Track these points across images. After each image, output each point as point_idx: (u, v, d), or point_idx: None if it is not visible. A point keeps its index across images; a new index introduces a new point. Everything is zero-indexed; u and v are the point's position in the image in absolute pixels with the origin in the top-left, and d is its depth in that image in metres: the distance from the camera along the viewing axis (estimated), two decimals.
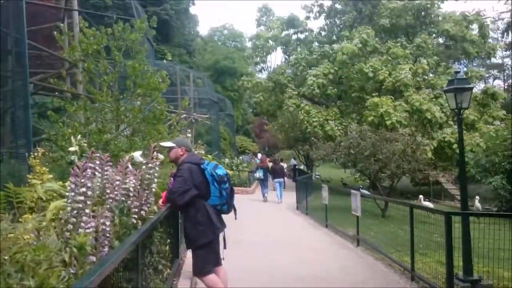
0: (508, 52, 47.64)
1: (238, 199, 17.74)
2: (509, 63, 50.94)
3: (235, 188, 19.18)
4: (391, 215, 14.29)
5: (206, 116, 25.90)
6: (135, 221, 3.37)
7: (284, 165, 30.10)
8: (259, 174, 20.27)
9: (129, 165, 3.79)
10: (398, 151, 15.25)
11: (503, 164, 17.76)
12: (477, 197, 17.82)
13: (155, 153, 4.26)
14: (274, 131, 36.84)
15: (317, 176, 33.62)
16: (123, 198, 3.40)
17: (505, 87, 47.66)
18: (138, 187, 3.60)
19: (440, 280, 6.33)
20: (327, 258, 8.20)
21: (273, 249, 8.91)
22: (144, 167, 3.85)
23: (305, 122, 26.12)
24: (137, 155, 4.13)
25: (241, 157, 38.50)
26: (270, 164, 22.22)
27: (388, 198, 14.84)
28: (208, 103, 28.37)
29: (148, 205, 3.72)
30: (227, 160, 28.16)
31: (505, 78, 52.27)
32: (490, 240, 6.47)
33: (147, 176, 3.76)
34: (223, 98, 36.30)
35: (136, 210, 3.45)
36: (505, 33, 44.62)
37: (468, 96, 7.28)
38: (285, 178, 21.84)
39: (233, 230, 8.57)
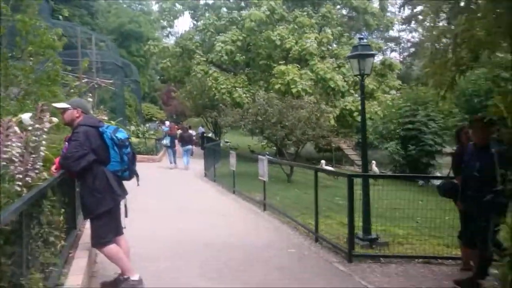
0: (404, 26, 50.53)
1: (144, 167, 17.23)
2: (405, 36, 54.18)
3: (141, 156, 18.72)
4: (296, 180, 14.80)
5: (110, 81, 24.62)
6: (19, 189, 3.03)
7: (193, 132, 29.95)
8: (166, 141, 20.22)
9: (16, 128, 3.40)
10: (303, 118, 15.65)
11: (397, 131, 19.01)
12: (373, 161, 18.88)
13: (48, 115, 3.87)
14: (182, 98, 36.14)
15: (227, 143, 33.77)
16: (5, 163, 3.04)
17: (401, 59, 50.76)
18: (24, 151, 3.23)
19: (342, 240, 6.64)
20: (234, 223, 8.25)
21: (179, 216, 8.78)
22: (30, 128, 3.47)
23: (213, 89, 25.90)
24: (25, 117, 3.71)
25: (147, 125, 37.48)
26: (179, 132, 22.06)
27: (294, 162, 15.29)
28: (112, 68, 26.95)
29: (36, 171, 3.37)
30: (133, 128, 27.25)
31: (401, 51, 55.66)
32: (386, 201, 6.89)
33: (34, 138, 3.39)
34: (128, 63, 34.69)
35: (21, 176, 3.11)
36: (402, 8, 47.04)
37: (371, 63, 7.54)
38: (193, 146, 21.82)
39: (137, 197, 8.34)
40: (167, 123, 43.29)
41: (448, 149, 25.98)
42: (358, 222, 6.82)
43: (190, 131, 27.10)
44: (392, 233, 7.37)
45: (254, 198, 10.65)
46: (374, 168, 17.85)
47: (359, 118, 23.81)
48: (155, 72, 61.78)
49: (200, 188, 13.45)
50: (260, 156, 9.93)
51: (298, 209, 8.76)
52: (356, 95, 24.51)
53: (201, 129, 36.08)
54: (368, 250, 6.47)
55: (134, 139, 23.42)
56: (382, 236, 6.95)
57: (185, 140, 19.81)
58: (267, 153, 21.84)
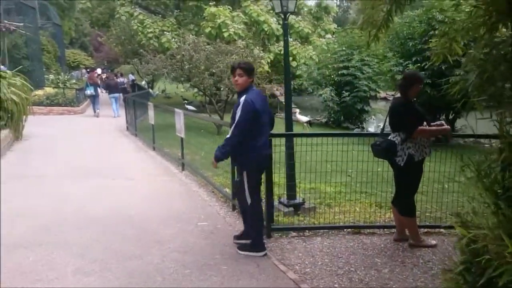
0: None
1: (62, 121, 15.57)
2: None
3: (60, 109, 16.92)
4: (226, 131, 13.79)
5: (20, 24, 21.96)
6: None
7: (124, 80, 28.18)
8: (89, 91, 19.49)
9: None
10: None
11: (332, 76, 18.29)
12: (297, 109, 18.22)
13: None
14: (110, 44, 33.58)
15: (160, 94, 32.01)
16: None
17: (337, 2, 49.87)
18: None
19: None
20: (141, 189, 7.16)
21: (77, 182, 7.54)
22: None
23: (139, 33, 23.88)
24: None
25: (72, 73, 34.80)
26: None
27: (216, 119, 14.21)
28: (24, 9, 24.11)
29: None
30: (51, 76, 24.93)
31: None
32: (316, 152, 5.92)
33: None
34: (45, 3, 31.40)
35: None
36: None
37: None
38: (121, 94, 20.89)
39: (31, 161, 7.02)
40: (99, 70, 40.70)
41: (383, 94, 25.94)
42: (282, 184, 5.98)
43: (122, 79, 26.57)
44: (321, 192, 6.58)
45: (174, 156, 9.56)
46: (299, 117, 17.14)
47: (294, 64, 23.13)
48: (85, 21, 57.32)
49: (116, 145, 12.14)
50: (176, 110, 8.77)
51: (223, 168, 7.75)
52: (291, 39, 23.42)
53: (131, 77, 33.86)
54: (293, 218, 5.64)
55: (49, 90, 21.36)
56: (309, 198, 6.16)
57: (112, 88, 19.66)
58: (186, 101, 20.57)
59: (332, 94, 17.77)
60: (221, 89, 15.28)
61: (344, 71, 17.89)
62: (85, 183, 7.50)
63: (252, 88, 4.36)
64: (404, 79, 4.74)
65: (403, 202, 4.74)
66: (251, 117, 4.16)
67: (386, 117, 4.97)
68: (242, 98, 4.22)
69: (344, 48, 18.56)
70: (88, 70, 42.73)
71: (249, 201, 4.46)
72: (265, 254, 4.50)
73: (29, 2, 24.23)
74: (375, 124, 19.16)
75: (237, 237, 4.84)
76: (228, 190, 6.45)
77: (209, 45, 16.07)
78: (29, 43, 23.90)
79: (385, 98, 29.54)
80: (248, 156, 4.32)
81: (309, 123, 17.00)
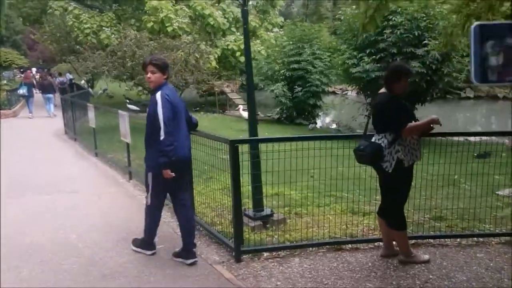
0: None
1: None
2: None
3: None
4: None
5: None
6: None
7: (63, 79, 26.97)
8: (23, 90, 19.05)
9: None
10: (179, 60, 13.52)
11: (282, 71, 17.71)
12: (240, 106, 17.58)
13: None
14: (44, 42, 31.39)
15: (102, 93, 30.27)
16: None
17: None
18: None
19: (228, 223, 4.97)
20: (86, 205, 6.17)
21: (6, 200, 6.44)
22: None
23: (76, 29, 22.28)
24: None
25: (4, 73, 32.37)
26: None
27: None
28: None
29: None
30: None
31: None
32: (277, 161, 5.20)
33: None
34: None
35: None
36: None
37: None
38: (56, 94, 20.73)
39: None
40: (34, 69, 38.10)
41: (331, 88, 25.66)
42: (247, 192, 5.22)
43: (61, 78, 26.25)
44: (286, 197, 5.84)
45: (120, 163, 8.56)
46: (243, 113, 16.43)
47: (242, 59, 22.33)
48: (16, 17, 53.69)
49: (54, 152, 10.91)
50: (120, 112, 7.81)
51: None
52: (238, 33, 22.64)
53: (69, 76, 31.77)
54: (262, 234, 4.88)
55: None
56: (276, 207, 5.44)
57: (46, 88, 19.14)
58: (127, 101, 19.31)
59: (284, 90, 17.18)
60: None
61: (295, 66, 17.33)
62: (18, 201, 6.40)
63: (167, 85, 4.20)
64: (390, 71, 4.07)
65: (392, 213, 4.12)
66: (170, 110, 3.98)
67: (369, 116, 4.34)
68: (158, 94, 4.02)
69: (294, 42, 17.97)
70: (21, 70, 40.01)
71: (148, 202, 4.31)
72: (154, 253, 4.44)
73: None
74: (326, 119, 18.78)
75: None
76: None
77: (152, 41, 15.05)
78: None
79: (333, 92, 29.43)
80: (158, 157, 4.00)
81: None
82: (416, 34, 12.66)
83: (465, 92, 23.14)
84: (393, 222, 4.11)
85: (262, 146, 4.83)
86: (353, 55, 13.56)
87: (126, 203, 6.32)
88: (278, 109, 18.74)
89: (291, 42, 17.86)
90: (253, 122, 5.39)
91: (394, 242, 4.34)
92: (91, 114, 10.03)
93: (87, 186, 7.29)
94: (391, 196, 4.10)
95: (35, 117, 18.21)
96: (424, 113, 16.58)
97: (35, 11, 26.92)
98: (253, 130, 5.28)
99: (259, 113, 21.47)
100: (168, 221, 5.46)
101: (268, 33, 23.86)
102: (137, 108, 17.97)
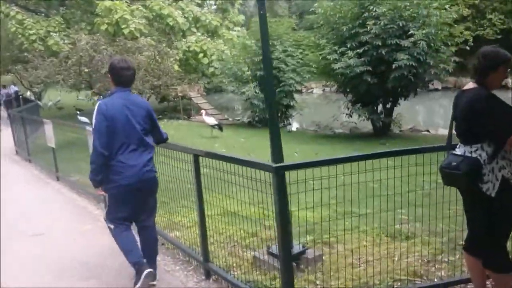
0: None
1: None
2: None
3: None
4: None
5: None
6: None
7: (7, 91, 24.96)
8: None
9: None
10: (144, 64, 12.12)
11: (251, 71, 16.57)
12: (202, 111, 16.32)
13: None
14: None
15: (53, 104, 28.08)
16: None
17: None
18: None
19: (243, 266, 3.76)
20: (59, 253, 4.77)
21: None
22: None
23: (20, 36, 20.27)
24: None
25: None
26: None
27: None
28: None
29: None
30: None
31: None
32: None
33: None
34: None
35: None
36: None
37: None
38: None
39: None
40: None
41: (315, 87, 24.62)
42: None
43: (5, 90, 24.57)
44: (300, 220, 4.61)
45: (89, 188, 7.12)
46: (206, 119, 14.98)
47: (205, 61, 21.06)
48: None
49: (6, 177, 9.27)
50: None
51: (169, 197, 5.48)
52: (199, 34, 21.32)
53: (13, 88, 29.25)
54: (300, 282, 3.71)
55: None
56: (297, 236, 4.27)
57: None
58: (78, 112, 17.46)
59: (256, 91, 16.03)
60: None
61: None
62: None
63: (116, 93, 3.62)
64: (484, 58, 2.98)
65: (493, 250, 3.05)
66: (103, 122, 3.47)
67: (452, 120, 3.25)
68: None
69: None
70: None
71: (110, 226, 3.75)
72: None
73: None
74: (301, 120, 17.78)
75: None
76: (197, 248, 4.31)
77: (109, 44, 13.55)
78: None
79: (299, 91, 28.53)
80: (108, 178, 3.57)
81: (219, 126, 14.73)
82: (400, 24, 11.85)
83: (433, 84, 22.75)
84: (494, 261, 3.05)
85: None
86: (333, 49, 12.59)
87: (109, 245, 4.97)
88: (249, 112, 17.60)
89: (258, 40, 16.72)
90: (276, 140, 4.22)
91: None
92: (49, 131, 8.49)
93: (55, 224, 5.86)
94: (495, 227, 3.03)
95: None
96: (410, 108, 15.95)
97: None
98: (277, 150, 4.09)
99: (226, 117, 20.27)
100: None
101: (231, 32, 22.66)
102: (88, 121, 15.83)
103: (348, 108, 14.17)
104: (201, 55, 20.52)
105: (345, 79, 12.75)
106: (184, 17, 20.96)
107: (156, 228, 4.11)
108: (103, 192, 3.71)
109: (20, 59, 22.60)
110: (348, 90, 13.61)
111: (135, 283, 3.53)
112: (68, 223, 5.81)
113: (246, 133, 15.73)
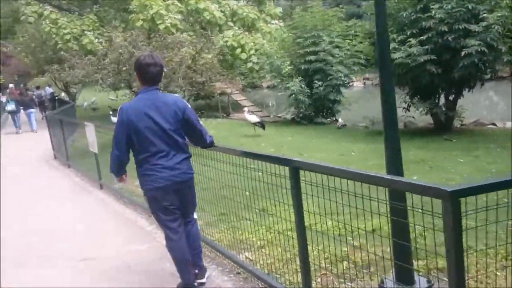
0: None
1: None
2: None
3: None
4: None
5: None
6: None
7: (42, 92, 25.50)
8: (10, 106, 18.89)
9: None
10: (186, 59, 11.26)
11: (299, 65, 15.54)
12: (245, 108, 15.38)
13: None
14: (18, 54, 28.75)
15: (90, 104, 27.86)
16: None
17: None
18: None
19: None
20: (112, 282, 3.93)
21: None
22: None
23: (54, 36, 19.80)
24: None
25: None
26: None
27: None
28: None
29: None
30: None
31: None
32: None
33: None
34: None
35: None
36: None
37: None
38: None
39: None
40: (11, 85, 35.66)
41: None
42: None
43: (38, 92, 25.41)
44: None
45: (139, 197, 6.29)
46: (248, 117, 14.11)
47: (242, 56, 20.16)
48: None
49: (45, 186, 8.57)
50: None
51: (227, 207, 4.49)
52: (236, 28, 20.40)
53: (48, 90, 29.09)
54: None
55: None
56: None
57: (27, 104, 19.31)
58: (111, 112, 16.72)
59: (302, 86, 15.00)
60: (173, 91, 12.04)
61: (312, 57, 15.16)
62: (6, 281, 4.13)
63: (141, 93, 3.42)
64: None
65: None
66: (122, 129, 3.33)
67: None
68: None
69: (307, 31, 15.76)
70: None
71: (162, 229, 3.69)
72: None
73: None
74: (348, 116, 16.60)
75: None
76: (278, 275, 3.35)
77: (143, 41, 12.74)
78: None
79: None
80: (140, 179, 3.45)
81: (261, 124, 13.84)
82: (470, 7, 10.61)
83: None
84: None
85: None
86: (392, 38, 11.43)
87: (170, 270, 4.09)
88: (292, 109, 16.59)
89: (304, 31, 15.64)
90: (395, 149, 3.23)
91: None
92: (90, 134, 7.68)
93: (106, 244, 5.01)
94: None
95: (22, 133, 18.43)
96: (471, 100, 14.54)
97: (6, 21, 24.32)
98: (396, 162, 3.10)
99: (267, 114, 19.32)
100: None
101: (269, 25, 21.65)
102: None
103: (405, 102, 13.01)
104: (238, 50, 19.60)
105: (404, 69, 11.59)
106: (221, 11, 20.07)
107: (198, 224, 3.94)
108: (123, 181, 3.69)
109: (54, 60, 22.25)
110: (406, 82, 12.42)
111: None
112: (120, 243, 4.96)
113: (291, 131, 14.74)
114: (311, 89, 15.28)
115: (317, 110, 15.94)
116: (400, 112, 13.43)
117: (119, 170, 3.54)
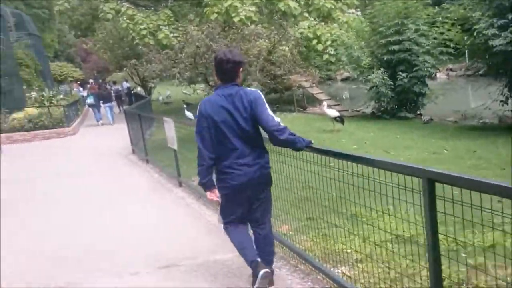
0: None
1: (50, 148, 11.28)
2: None
3: (46, 132, 10.74)
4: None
5: None
6: None
7: (119, 87, 26.83)
8: (90, 100, 20.43)
9: None
10: (264, 51, 10.77)
11: (382, 56, 14.57)
12: (324, 102, 14.64)
13: None
14: (97, 51, 29.86)
15: (165, 98, 28.51)
16: None
17: None
18: None
19: None
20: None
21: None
22: None
23: (131, 32, 20.12)
24: None
25: (60, 87, 31.14)
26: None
27: None
28: None
29: None
30: (34, 94, 21.15)
31: None
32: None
33: None
34: (17, 12, 27.44)
35: None
36: None
37: None
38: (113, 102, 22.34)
39: None
40: (91, 81, 37.37)
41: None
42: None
43: (116, 87, 26.73)
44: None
45: None
46: (327, 111, 13.40)
47: (319, 47, 19.41)
48: (69, 26, 53.45)
49: (122, 181, 8.43)
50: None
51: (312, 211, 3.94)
52: (311, 18, 19.65)
53: (125, 84, 29.98)
54: None
55: (32, 110, 17.66)
56: None
57: (105, 98, 20.56)
58: (185, 105, 16.45)
59: (385, 77, 14.05)
60: (250, 85, 11.60)
61: (395, 47, 14.13)
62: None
63: (219, 88, 3.36)
64: None
65: None
66: (202, 124, 3.30)
67: None
68: None
69: (389, 19, 14.71)
70: (78, 82, 39.17)
71: (225, 226, 3.62)
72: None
73: None
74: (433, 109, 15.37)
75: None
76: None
77: (220, 34, 12.38)
78: (3, 59, 20.09)
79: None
80: (217, 177, 3.42)
81: (341, 118, 13.16)
82: None
83: None
84: None
85: None
86: (491, 23, 10.29)
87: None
88: (372, 102, 15.65)
89: (388, 19, 14.60)
90: None
91: None
92: (169, 130, 7.38)
93: (190, 250, 4.61)
94: None
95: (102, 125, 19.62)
96: None
97: (86, 18, 25.15)
98: None
99: (346, 108, 18.47)
100: None
101: (346, 14, 20.67)
102: (192, 116, 14.57)
103: (502, 94, 11.77)
104: (314, 41, 18.87)
105: (504, 58, 10.42)
106: (296, 1, 19.40)
107: (271, 228, 3.78)
108: (214, 197, 3.45)
109: (131, 56, 22.69)
110: (505, 72, 11.19)
111: (253, 284, 3.37)
112: (203, 250, 4.53)
113: (372, 126, 13.88)
114: (394, 81, 14.28)
115: (400, 103, 14.89)
116: (496, 106, 12.24)
117: (206, 174, 3.37)
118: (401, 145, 10.56)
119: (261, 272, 3.32)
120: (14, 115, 16.97)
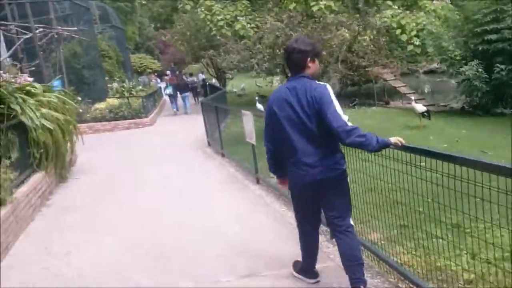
0: None
1: (128, 137, 10.99)
2: None
3: (127, 122, 10.14)
4: None
5: (73, 29, 18.81)
6: None
7: (195, 79, 27.01)
8: (168, 90, 21.65)
9: None
10: (347, 41, 10.07)
11: (474, 46, 13.31)
12: (412, 96, 13.67)
13: None
14: (174, 42, 30.38)
15: (241, 90, 28.51)
16: None
17: None
18: None
19: None
20: None
21: None
22: None
23: (208, 23, 20.04)
24: None
25: (139, 78, 32.06)
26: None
27: None
28: (77, 12, 21.08)
29: None
30: (115, 85, 21.80)
31: None
32: None
33: None
34: (102, 5, 28.47)
35: None
36: None
37: None
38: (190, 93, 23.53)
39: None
40: (169, 72, 38.42)
41: None
42: None
43: (191, 78, 26.87)
44: None
45: None
46: (415, 106, 12.58)
47: (403, 37, 18.24)
48: (149, 19, 55.24)
49: (198, 176, 8.15)
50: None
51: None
52: (395, 7, 18.49)
53: (201, 76, 30.28)
54: None
55: (113, 101, 18.10)
56: None
57: (182, 88, 21.45)
58: (257, 97, 15.81)
59: (479, 70, 12.82)
60: (331, 77, 10.96)
61: (492, 36, 12.85)
62: None
63: (289, 81, 3.15)
64: None
65: None
66: (267, 118, 3.23)
67: None
68: None
69: (486, 6, 13.39)
70: (156, 74, 40.38)
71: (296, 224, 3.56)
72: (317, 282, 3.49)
73: (82, 1, 21.12)
74: None
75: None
76: None
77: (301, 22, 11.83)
78: (88, 50, 20.84)
79: None
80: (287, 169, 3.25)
81: (428, 114, 12.28)
82: None
83: None
84: None
85: None
86: None
87: None
88: (463, 96, 14.40)
89: (485, 6, 13.30)
90: None
91: None
92: (248, 124, 6.97)
93: (271, 256, 4.16)
94: None
95: (178, 114, 20.77)
96: None
97: (166, 9, 25.56)
98: None
99: (432, 102, 17.25)
100: None
101: (434, 2, 19.28)
102: (263, 109, 13.69)
103: None
104: (398, 31, 17.74)
105: None
106: None
107: (355, 233, 3.30)
108: (283, 186, 3.51)
109: (207, 47, 22.74)
110: None
111: None
112: (287, 259, 4.06)
113: (463, 123, 12.77)
114: (489, 74, 13.00)
115: (496, 98, 13.57)
116: None
117: (271, 165, 3.42)
118: (500, 144, 9.49)
119: None
120: (97, 105, 17.47)
